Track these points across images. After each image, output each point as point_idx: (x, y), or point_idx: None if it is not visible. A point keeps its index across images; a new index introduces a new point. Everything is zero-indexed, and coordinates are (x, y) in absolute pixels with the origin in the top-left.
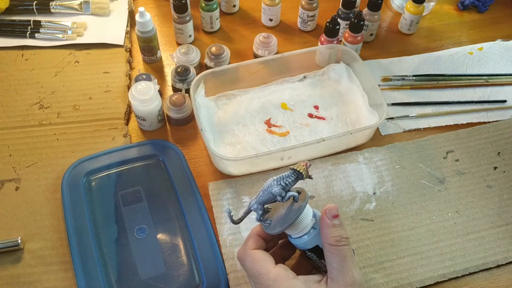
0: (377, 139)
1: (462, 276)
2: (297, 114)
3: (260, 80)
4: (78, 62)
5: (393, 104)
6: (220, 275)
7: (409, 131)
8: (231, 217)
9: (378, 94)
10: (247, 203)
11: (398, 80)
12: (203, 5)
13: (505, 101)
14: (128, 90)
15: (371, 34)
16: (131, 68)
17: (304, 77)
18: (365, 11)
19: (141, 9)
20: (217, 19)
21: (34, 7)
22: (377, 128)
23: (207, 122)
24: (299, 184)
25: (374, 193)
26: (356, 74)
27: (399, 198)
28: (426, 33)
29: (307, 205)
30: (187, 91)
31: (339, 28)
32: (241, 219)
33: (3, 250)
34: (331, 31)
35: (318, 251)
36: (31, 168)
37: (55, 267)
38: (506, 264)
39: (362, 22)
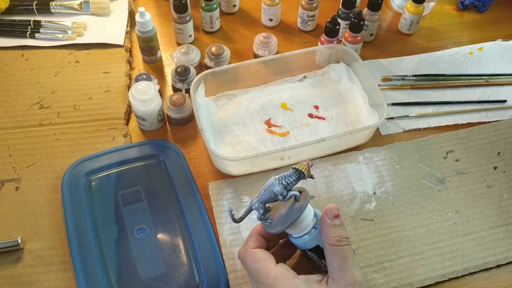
0: (377, 139)
1: (462, 276)
2: (297, 114)
3: (260, 80)
4: (78, 62)
5: (393, 104)
6: (220, 275)
7: (409, 131)
8: (232, 216)
9: (378, 94)
10: (247, 203)
11: (398, 80)
12: (203, 5)
13: (505, 101)
14: (128, 90)
15: (371, 34)
16: (131, 68)
17: (304, 77)
18: (365, 11)
19: (141, 9)
20: (217, 19)
21: (34, 7)
22: (377, 128)
23: (207, 122)
24: (300, 183)
25: (374, 193)
26: (356, 74)
27: (399, 198)
28: (426, 33)
29: (308, 205)
30: (187, 91)
31: (339, 28)
32: (242, 218)
33: (3, 250)
34: (331, 31)
35: (318, 251)
36: (31, 168)
37: (55, 267)
38: (506, 264)
39: (362, 22)
